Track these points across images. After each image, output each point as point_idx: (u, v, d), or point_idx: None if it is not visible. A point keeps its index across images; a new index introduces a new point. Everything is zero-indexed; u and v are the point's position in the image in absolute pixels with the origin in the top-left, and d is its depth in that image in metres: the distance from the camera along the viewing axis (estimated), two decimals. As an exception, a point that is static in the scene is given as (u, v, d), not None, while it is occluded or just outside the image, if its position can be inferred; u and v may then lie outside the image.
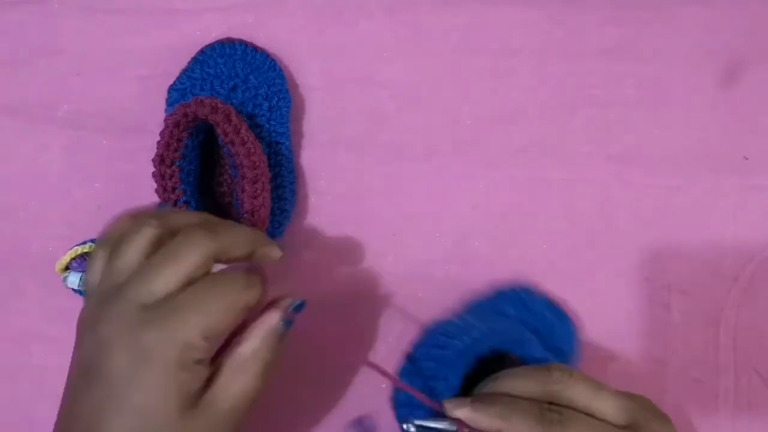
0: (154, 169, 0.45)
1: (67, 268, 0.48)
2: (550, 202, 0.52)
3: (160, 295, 0.32)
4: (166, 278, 0.32)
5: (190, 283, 0.33)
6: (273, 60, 0.52)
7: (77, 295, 0.49)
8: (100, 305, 0.33)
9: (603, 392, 0.35)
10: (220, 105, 0.44)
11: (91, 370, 0.32)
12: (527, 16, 0.53)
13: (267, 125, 0.50)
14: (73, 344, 0.32)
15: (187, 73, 0.51)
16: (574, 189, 0.52)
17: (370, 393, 0.48)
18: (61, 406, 0.33)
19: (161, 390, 0.30)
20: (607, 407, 0.34)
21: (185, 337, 0.31)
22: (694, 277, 0.51)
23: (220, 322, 0.32)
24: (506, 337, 0.40)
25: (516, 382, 0.35)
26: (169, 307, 0.31)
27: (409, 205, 0.52)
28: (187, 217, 0.37)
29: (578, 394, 0.34)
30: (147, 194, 0.49)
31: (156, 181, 0.45)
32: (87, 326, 0.33)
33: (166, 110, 0.51)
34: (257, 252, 0.37)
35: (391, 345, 0.50)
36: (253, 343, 0.34)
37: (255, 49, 0.51)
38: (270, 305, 0.36)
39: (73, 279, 0.48)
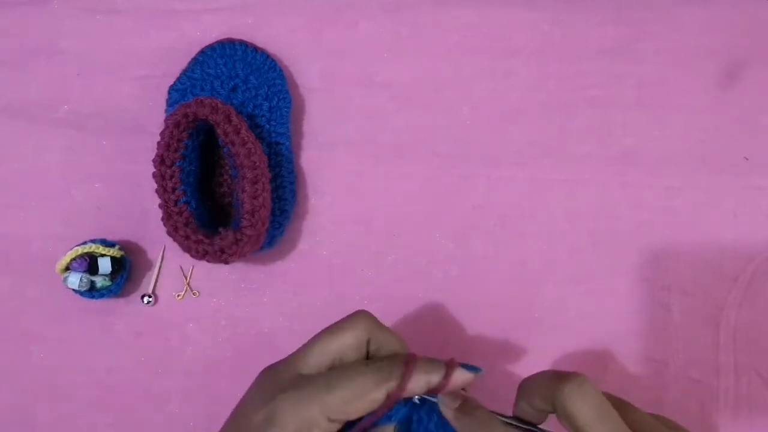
0: (154, 170, 0.45)
1: (67, 268, 0.48)
2: (550, 202, 0.52)
3: (312, 369, 0.35)
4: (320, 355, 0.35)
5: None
6: (273, 60, 0.52)
7: (77, 295, 0.49)
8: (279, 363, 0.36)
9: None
10: (220, 105, 0.44)
11: (241, 411, 0.35)
12: (527, 17, 0.53)
13: (267, 125, 0.50)
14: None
15: (187, 73, 0.51)
16: (574, 189, 0.52)
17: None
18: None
19: None
20: None
21: (309, 414, 0.32)
22: (694, 278, 0.51)
23: (349, 408, 0.33)
24: None
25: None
26: (309, 380, 0.34)
27: (409, 205, 0.52)
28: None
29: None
30: (147, 194, 0.49)
31: (156, 182, 0.45)
32: (261, 375, 0.36)
33: (166, 110, 0.51)
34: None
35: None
36: None
37: (255, 49, 0.51)
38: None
39: (73, 279, 0.48)
